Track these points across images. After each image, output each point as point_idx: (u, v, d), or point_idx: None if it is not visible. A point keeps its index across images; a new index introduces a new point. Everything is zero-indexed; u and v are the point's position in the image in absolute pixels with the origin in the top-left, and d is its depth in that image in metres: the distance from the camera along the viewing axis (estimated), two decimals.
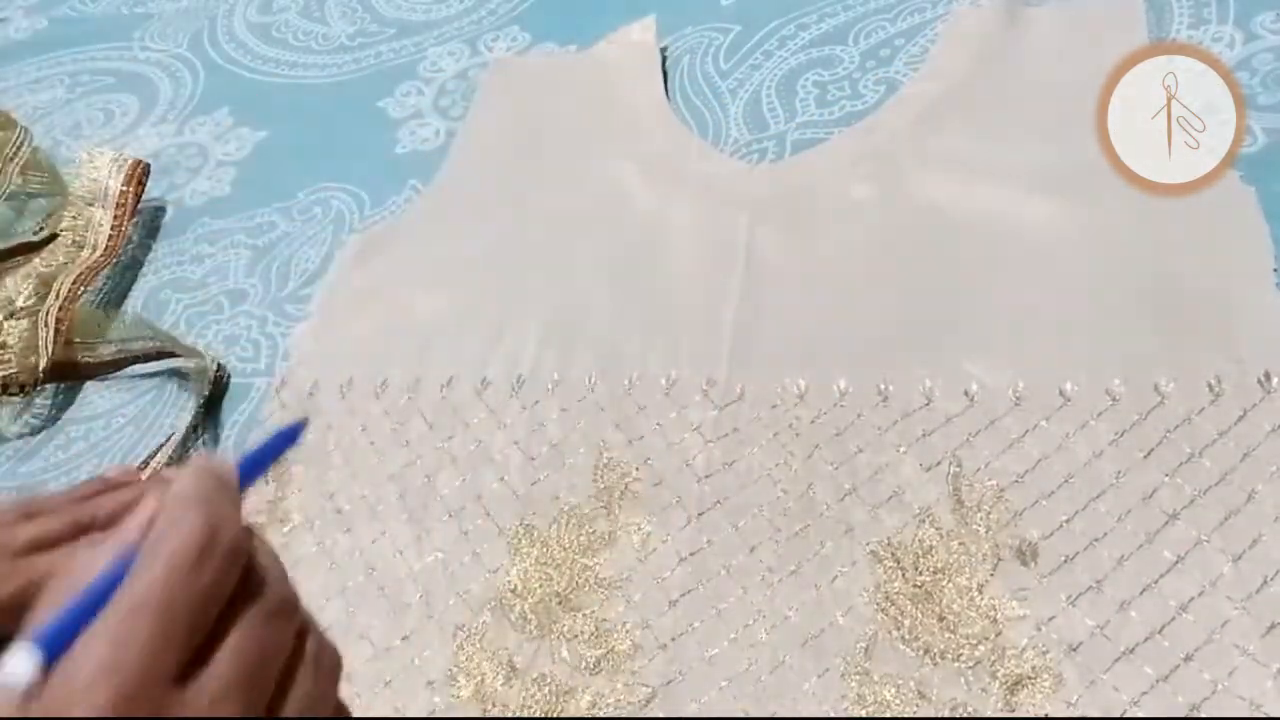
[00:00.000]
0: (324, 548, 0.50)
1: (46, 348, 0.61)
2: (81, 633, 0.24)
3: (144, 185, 0.71)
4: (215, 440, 0.58)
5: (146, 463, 0.57)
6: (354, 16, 0.87)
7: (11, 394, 0.62)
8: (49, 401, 0.63)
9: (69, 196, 0.70)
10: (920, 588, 0.41)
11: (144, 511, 0.27)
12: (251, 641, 0.26)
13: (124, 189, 0.69)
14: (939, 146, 0.57)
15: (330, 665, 0.29)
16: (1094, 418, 0.44)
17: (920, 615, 0.41)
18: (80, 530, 0.41)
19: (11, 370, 0.61)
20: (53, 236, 0.68)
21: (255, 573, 0.27)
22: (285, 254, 0.68)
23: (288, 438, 0.36)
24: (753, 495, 0.46)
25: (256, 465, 0.33)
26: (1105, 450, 0.43)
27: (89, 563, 0.26)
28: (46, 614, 0.25)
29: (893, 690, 0.39)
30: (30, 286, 0.65)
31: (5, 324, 0.64)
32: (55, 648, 0.24)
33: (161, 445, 0.57)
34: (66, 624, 0.24)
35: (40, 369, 0.61)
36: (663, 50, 0.71)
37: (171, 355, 0.62)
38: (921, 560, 0.42)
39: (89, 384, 0.63)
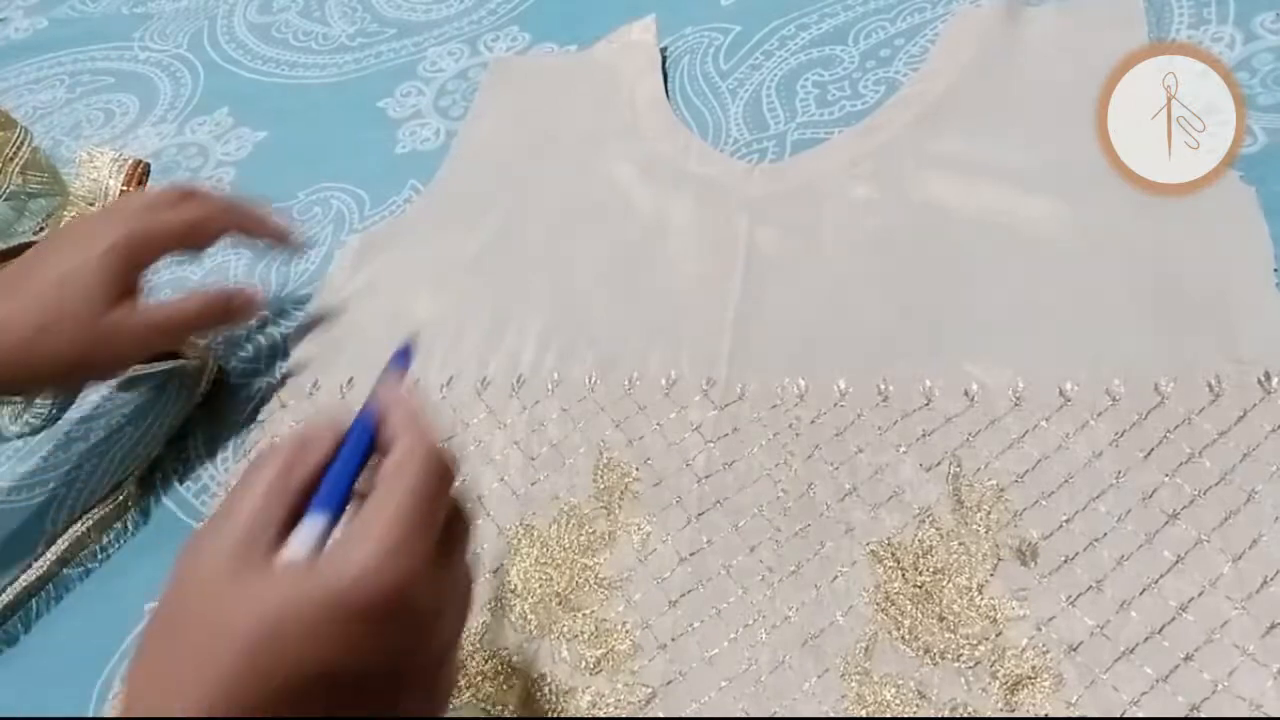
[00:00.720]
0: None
1: None
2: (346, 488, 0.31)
3: (144, 185, 0.71)
4: (213, 440, 0.58)
5: (147, 467, 0.57)
6: (354, 16, 0.87)
7: (13, 393, 0.62)
8: (49, 401, 0.63)
9: (69, 196, 0.70)
10: (920, 588, 0.41)
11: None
12: (467, 547, 0.33)
13: (124, 189, 0.69)
14: (939, 146, 0.57)
15: None
16: (1094, 418, 0.44)
17: (920, 615, 0.41)
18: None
19: None
20: None
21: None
22: (285, 254, 0.68)
23: (400, 361, 0.39)
24: (753, 495, 0.46)
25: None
26: (1105, 450, 0.43)
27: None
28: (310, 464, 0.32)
29: (893, 690, 0.39)
30: None
31: None
32: (332, 505, 0.31)
33: (161, 445, 0.57)
34: (336, 487, 0.31)
35: None
36: (663, 50, 0.71)
37: (174, 358, 0.62)
38: (921, 560, 0.42)
39: (89, 384, 0.63)
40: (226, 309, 0.56)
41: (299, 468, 0.32)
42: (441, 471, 0.32)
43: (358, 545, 0.29)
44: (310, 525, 0.30)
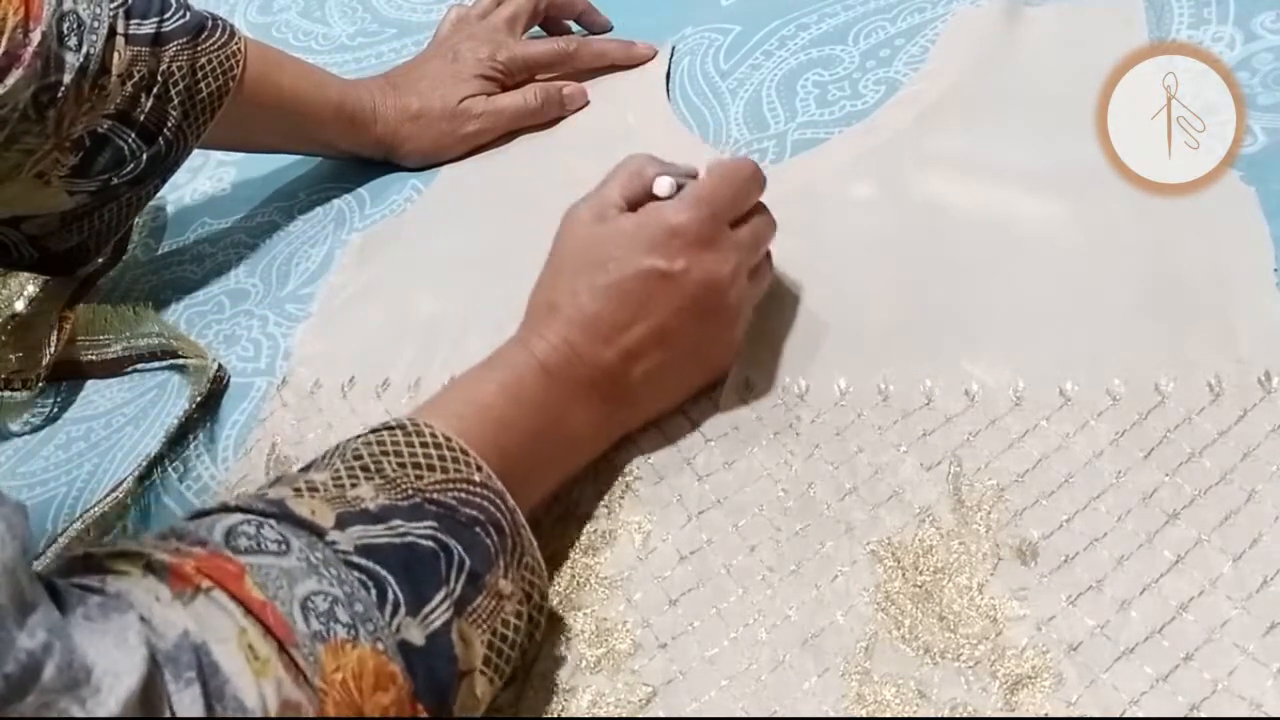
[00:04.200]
0: None
1: (50, 346, 0.61)
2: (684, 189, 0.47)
3: None
4: (212, 440, 0.58)
5: (147, 467, 0.57)
6: (354, 16, 0.87)
7: (14, 389, 0.62)
8: (49, 401, 0.63)
9: None
10: (920, 587, 0.41)
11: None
12: (759, 229, 0.49)
13: None
14: (939, 146, 0.57)
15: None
16: (1094, 418, 0.44)
17: (920, 615, 0.41)
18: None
19: (14, 368, 0.62)
20: None
21: (762, 203, 0.49)
22: (285, 253, 0.68)
23: None
24: (753, 494, 0.46)
25: None
26: (1105, 450, 0.43)
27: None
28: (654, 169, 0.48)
29: (893, 690, 0.39)
30: (34, 286, 0.65)
31: (9, 323, 0.64)
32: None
33: (160, 445, 0.57)
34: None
35: (44, 364, 0.61)
36: (673, 47, 0.71)
37: (174, 358, 0.62)
38: (921, 560, 0.42)
39: (89, 383, 0.63)
40: (559, 98, 0.69)
41: (652, 167, 0.48)
42: (747, 178, 0.48)
43: (677, 198, 0.47)
44: (664, 179, 0.47)
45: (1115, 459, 0.43)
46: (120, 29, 0.56)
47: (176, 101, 0.59)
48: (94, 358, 0.62)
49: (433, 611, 0.36)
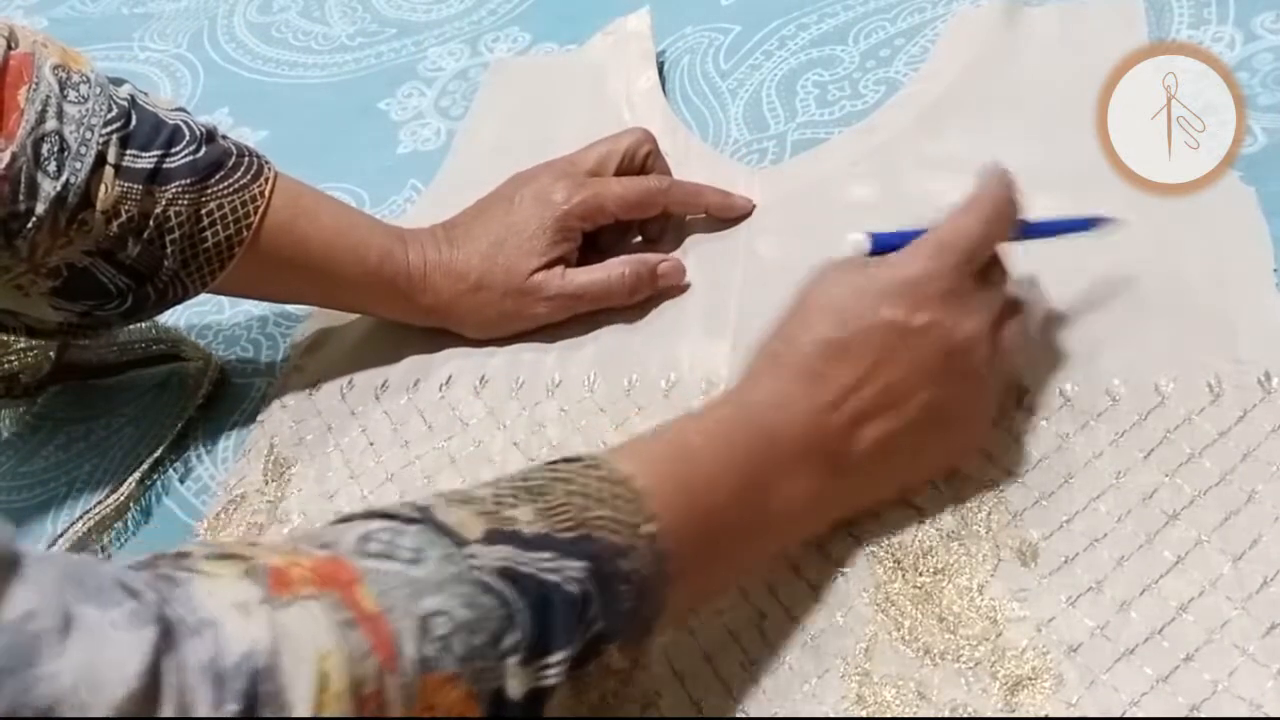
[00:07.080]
0: None
1: (51, 348, 0.61)
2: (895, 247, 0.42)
3: None
4: (213, 440, 0.58)
5: (147, 467, 0.57)
6: (354, 16, 0.87)
7: (16, 396, 0.62)
8: (49, 401, 0.63)
9: None
10: (920, 588, 0.41)
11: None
12: (999, 288, 0.43)
13: None
14: (939, 146, 0.57)
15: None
16: (1094, 418, 0.44)
17: (920, 616, 0.41)
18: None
19: (15, 369, 0.61)
20: None
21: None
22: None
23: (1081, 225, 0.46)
24: None
25: (1043, 228, 0.45)
26: (1105, 451, 0.43)
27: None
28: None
29: (893, 691, 0.39)
30: None
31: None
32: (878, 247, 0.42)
33: (161, 445, 0.57)
34: (886, 240, 0.42)
35: (44, 369, 0.61)
36: (660, 53, 0.71)
37: (174, 359, 0.62)
38: (921, 561, 0.42)
39: (89, 384, 0.63)
40: (652, 276, 0.55)
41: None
42: (1004, 214, 0.42)
43: (917, 244, 0.41)
44: (854, 237, 0.43)
45: (1115, 459, 0.43)
46: (111, 158, 0.48)
47: (171, 250, 0.50)
48: (94, 358, 0.62)
49: (549, 666, 0.32)
